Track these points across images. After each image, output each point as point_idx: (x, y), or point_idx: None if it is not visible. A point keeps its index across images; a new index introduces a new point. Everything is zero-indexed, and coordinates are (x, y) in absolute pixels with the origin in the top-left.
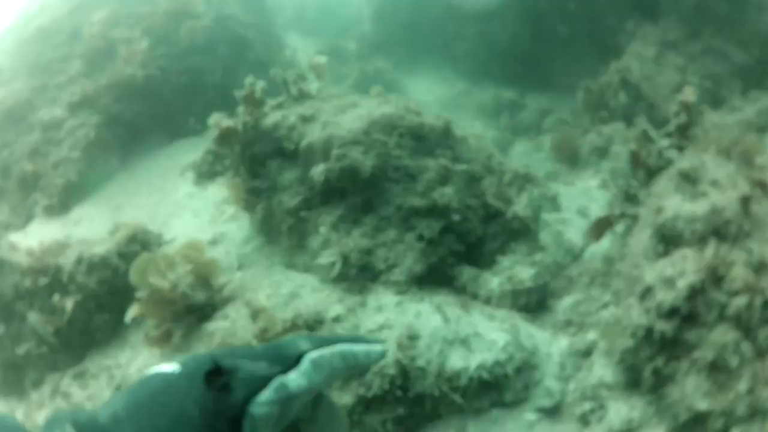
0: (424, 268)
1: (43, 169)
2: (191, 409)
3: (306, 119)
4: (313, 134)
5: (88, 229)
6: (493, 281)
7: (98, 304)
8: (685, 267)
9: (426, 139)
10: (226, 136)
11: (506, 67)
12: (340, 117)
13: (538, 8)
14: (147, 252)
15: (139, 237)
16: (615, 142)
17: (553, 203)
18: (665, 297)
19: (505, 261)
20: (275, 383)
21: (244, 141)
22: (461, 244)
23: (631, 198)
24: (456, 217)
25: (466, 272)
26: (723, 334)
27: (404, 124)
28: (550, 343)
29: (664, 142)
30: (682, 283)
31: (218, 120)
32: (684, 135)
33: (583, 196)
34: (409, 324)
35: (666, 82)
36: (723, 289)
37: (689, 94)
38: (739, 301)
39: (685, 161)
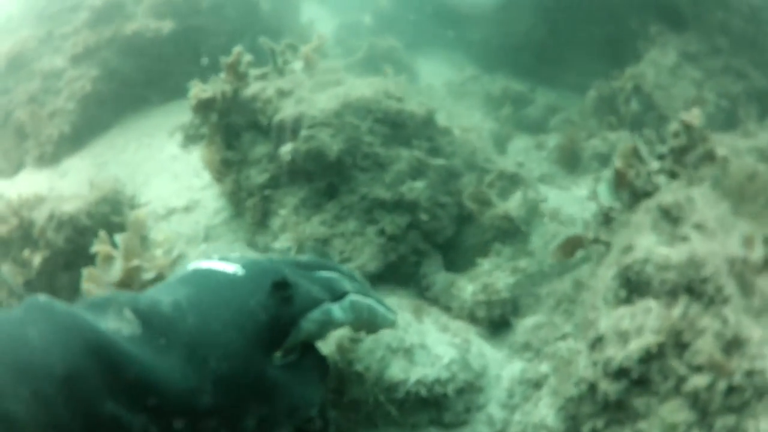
0: (380, 266)
1: (38, 118)
2: (256, 308)
3: (283, 93)
4: (286, 110)
5: (74, 183)
6: (467, 290)
7: (65, 261)
8: (645, 323)
9: (403, 127)
10: (203, 104)
11: (520, 59)
12: (317, 95)
13: (558, 2)
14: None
15: (110, 198)
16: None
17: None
18: (616, 354)
19: (485, 264)
20: (324, 307)
21: (221, 110)
22: (427, 244)
23: (609, 221)
24: (423, 216)
25: (440, 277)
26: (675, 412)
27: (380, 109)
28: (502, 366)
29: (655, 165)
30: (638, 343)
31: (197, 88)
32: (679, 161)
33: (575, 204)
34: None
35: (680, 95)
36: (684, 359)
37: (694, 116)
38: (700, 380)
39: (668, 193)
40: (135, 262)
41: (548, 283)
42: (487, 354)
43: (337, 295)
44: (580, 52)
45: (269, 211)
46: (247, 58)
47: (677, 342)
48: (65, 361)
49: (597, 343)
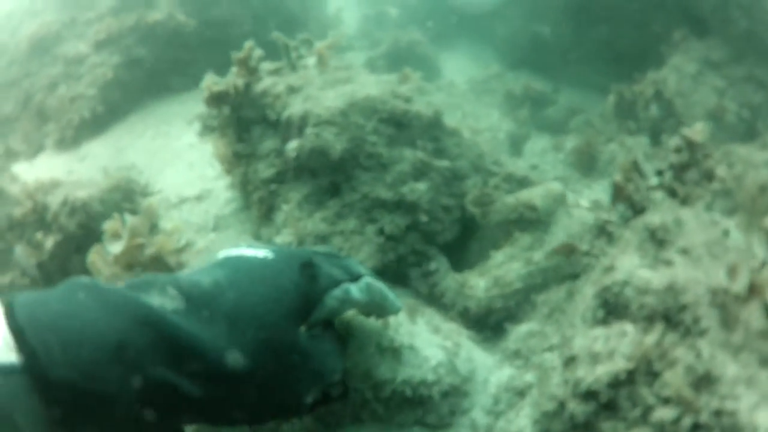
0: (377, 265)
1: (59, 102)
2: (288, 285)
3: (293, 90)
4: (294, 107)
5: (92, 167)
6: (480, 286)
7: (77, 245)
8: (618, 347)
9: (408, 128)
10: (215, 97)
11: (545, 57)
12: (326, 92)
13: (584, 3)
14: (126, 221)
15: (122, 186)
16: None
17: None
18: (586, 375)
19: (499, 256)
20: (344, 286)
21: (233, 104)
22: (428, 246)
23: (606, 235)
24: (423, 218)
25: (449, 279)
26: None
27: (386, 109)
28: (491, 371)
29: (654, 181)
30: (608, 368)
31: (210, 81)
32: (680, 177)
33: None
34: (346, 321)
35: (701, 102)
36: (654, 388)
37: (697, 132)
38: (666, 413)
39: (657, 214)
40: (139, 240)
41: (547, 289)
42: (477, 359)
43: (354, 277)
44: (605, 53)
45: (274, 205)
46: (258, 52)
47: (648, 370)
48: (117, 331)
49: (570, 361)
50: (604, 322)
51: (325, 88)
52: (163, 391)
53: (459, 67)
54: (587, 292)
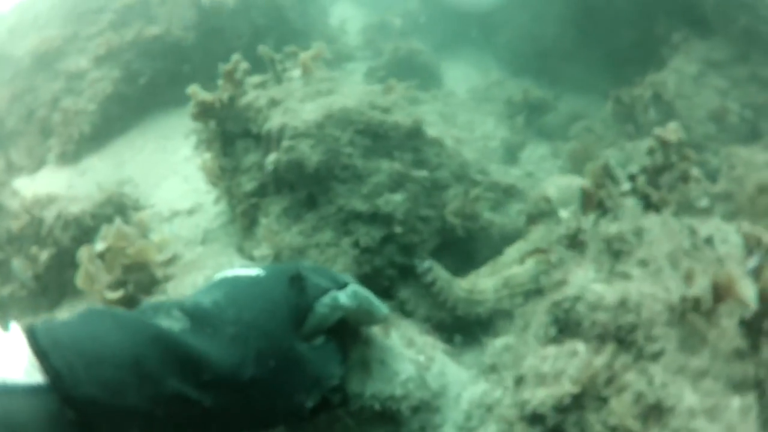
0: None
1: (61, 117)
2: (280, 298)
3: (274, 102)
4: (274, 120)
5: (92, 182)
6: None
7: (71, 259)
8: (566, 368)
9: (385, 139)
10: (202, 110)
11: (547, 63)
12: (305, 105)
13: (586, 7)
14: (115, 223)
15: (114, 200)
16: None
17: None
18: (532, 398)
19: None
20: (332, 293)
21: (219, 117)
22: (405, 257)
23: (576, 245)
24: (398, 229)
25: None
26: None
27: (362, 120)
28: (465, 386)
29: (625, 186)
30: (553, 391)
31: (194, 89)
32: (654, 182)
33: None
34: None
35: (703, 104)
36: (601, 415)
37: (671, 132)
38: None
39: (614, 223)
40: (121, 243)
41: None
42: (451, 373)
43: (341, 285)
44: (608, 57)
45: (255, 218)
46: (245, 65)
47: (595, 395)
48: (133, 350)
49: (519, 382)
50: (555, 340)
51: (305, 101)
52: (177, 402)
53: (462, 76)
54: (541, 307)
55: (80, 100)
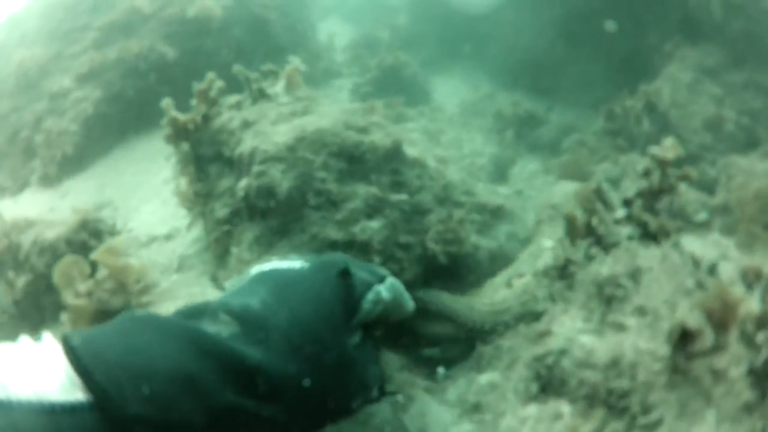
0: None
1: (44, 138)
2: (330, 297)
3: (247, 125)
4: (245, 144)
5: (73, 204)
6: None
7: (47, 285)
8: None
9: (361, 161)
10: (175, 133)
11: (538, 76)
12: (278, 127)
13: (576, 18)
14: (94, 242)
15: (90, 226)
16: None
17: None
18: None
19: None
20: (375, 288)
21: (192, 139)
22: None
23: (566, 277)
24: (376, 259)
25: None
26: None
27: (336, 142)
28: (446, 429)
29: (620, 213)
30: None
31: (168, 107)
32: (651, 207)
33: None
34: None
35: (698, 113)
36: None
37: (669, 149)
38: None
39: (606, 263)
40: (108, 258)
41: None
42: (431, 413)
43: (380, 278)
44: (601, 69)
45: (228, 246)
46: (219, 84)
47: None
48: (183, 363)
49: None
50: (536, 398)
51: (278, 123)
52: (234, 415)
53: (451, 90)
54: (521, 357)
55: (63, 121)
